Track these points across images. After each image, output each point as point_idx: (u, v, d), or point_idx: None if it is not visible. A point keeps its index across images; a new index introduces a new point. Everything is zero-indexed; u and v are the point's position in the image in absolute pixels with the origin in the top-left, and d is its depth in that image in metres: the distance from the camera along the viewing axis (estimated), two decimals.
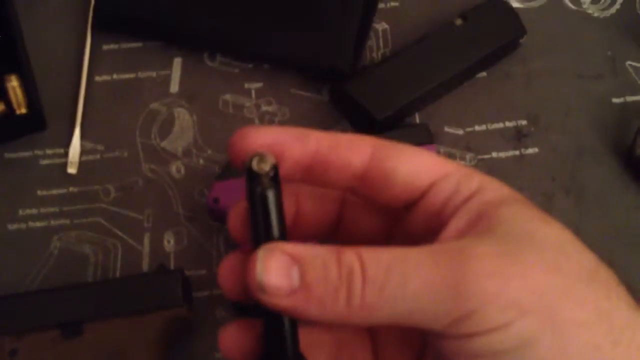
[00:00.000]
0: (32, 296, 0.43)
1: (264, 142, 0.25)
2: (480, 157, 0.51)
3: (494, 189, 0.25)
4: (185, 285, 0.43)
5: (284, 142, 0.25)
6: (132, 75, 0.53)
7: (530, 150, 0.51)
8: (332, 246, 0.23)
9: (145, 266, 0.47)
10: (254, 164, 0.23)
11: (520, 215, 0.24)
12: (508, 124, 0.52)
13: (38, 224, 0.48)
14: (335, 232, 0.28)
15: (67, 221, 0.48)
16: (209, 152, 0.51)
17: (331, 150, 0.25)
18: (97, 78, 0.52)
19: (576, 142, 0.52)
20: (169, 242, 0.48)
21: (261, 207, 0.23)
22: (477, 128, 0.52)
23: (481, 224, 0.24)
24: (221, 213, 0.47)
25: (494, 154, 0.51)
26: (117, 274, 0.47)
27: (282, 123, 0.52)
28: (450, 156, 0.51)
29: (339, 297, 0.22)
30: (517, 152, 0.51)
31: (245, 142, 0.25)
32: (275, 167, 0.24)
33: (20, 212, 0.48)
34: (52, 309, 0.42)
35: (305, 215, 0.28)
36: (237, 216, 0.26)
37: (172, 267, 0.47)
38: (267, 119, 0.52)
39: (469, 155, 0.51)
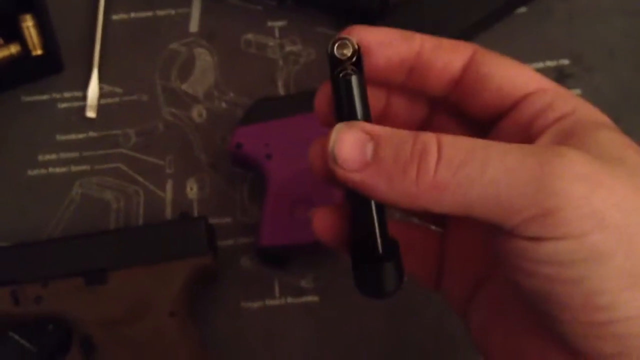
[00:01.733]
0: (56, 243, 0.43)
1: (372, 39, 0.25)
2: None
3: (590, 112, 0.24)
4: (209, 233, 0.43)
5: (391, 40, 0.25)
6: (149, 14, 0.50)
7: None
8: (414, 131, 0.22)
9: (168, 214, 0.46)
10: (336, 49, 0.24)
11: (615, 141, 0.23)
12: (549, 63, 0.49)
13: (58, 170, 0.47)
14: None
15: (88, 167, 0.47)
16: (231, 94, 0.49)
17: (434, 50, 0.25)
18: (114, 17, 0.50)
19: (622, 85, 0.49)
20: (192, 189, 0.47)
21: (343, 91, 0.24)
22: None
23: (572, 141, 0.23)
24: (244, 159, 0.45)
25: None
26: (140, 221, 0.46)
27: (308, 64, 0.49)
28: None
29: (409, 173, 0.21)
30: None
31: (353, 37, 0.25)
32: (357, 52, 0.24)
33: (40, 157, 0.47)
34: (76, 256, 0.42)
35: (393, 113, 0.28)
36: (323, 98, 0.26)
37: (195, 215, 0.46)
38: (291, 60, 0.49)
39: None
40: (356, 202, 0.25)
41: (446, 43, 0.26)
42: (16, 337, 0.43)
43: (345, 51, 0.24)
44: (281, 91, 0.49)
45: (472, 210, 0.21)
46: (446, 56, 0.25)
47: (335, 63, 0.24)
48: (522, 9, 0.50)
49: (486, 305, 0.27)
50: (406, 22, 0.47)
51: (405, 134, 0.22)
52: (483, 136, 0.26)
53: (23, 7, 0.48)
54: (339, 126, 0.23)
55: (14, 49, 0.47)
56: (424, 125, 0.28)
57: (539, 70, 0.48)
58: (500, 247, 0.22)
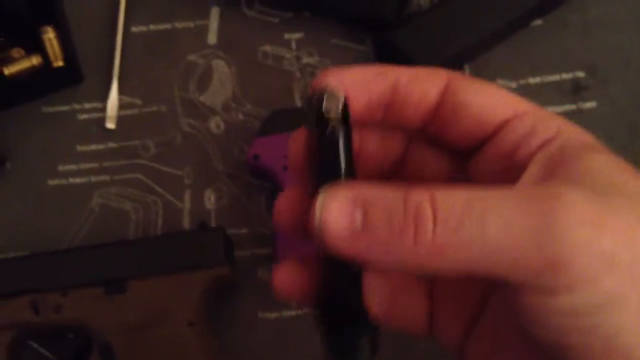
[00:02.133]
0: (75, 253, 0.43)
1: (349, 81, 0.24)
2: None
3: (575, 134, 0.23)
4: (227, 244, 0.43)
5: (369, 80, 0.24)
6: (168, 26, 0.51)
7: (587, 105, 0.48)
8: (402, 185, 0.21)
9: (186, 224, 0.46)
10: (324, 103, 0.21)
11: (608, 166, 0.22)
12: (565, 76, 0.49)
13: (78, 180, 0.48)
14: (398, 176, 0.27)
15: (107, 177, 0.48)
16: (249, 106, 0.49)
17: (410, 82, 0.24)
18: (134, 29, 0.51)
19: (637, 96, 0.48)
20: (210, 200, 0.47)
21: (331, 150, 0.21)
22: (531, 80, 0.49)
23: (563, 172, 0.21)
24: (262, 170, 0.45)
25: (549, 109, 0.48)
26: (158, 231, 0.46)
27: None
28: None
29: (405, 238, 0.20)
30: (574, 107, 0.48)
31: (330, 81, 0.23)
32: (345, 105, 0.22)
33: (60, 167, 0.48)
34: (95, 266, 0.42)
35: (367, 152, 0.26)
36: (296, 148, 0.24)
37: (213, 225, 0.46)
38: (308, 72, 0.50)
39: None
40: (334, 266, 0.23)
41: (421, 73, 0.25)
42: (36, 345, 0.43)
43: (333, 104, 0.21)
44: (298, 103, 0.49)
45: (476, 270, 0.20)
46: (421, 87, 0.24)
47: (322, 119, 0.21)
48: (538, 21, 0.50)
49: (484, 338, 0.26)
50: (421, 33, 0.48)
51: (394, 196, 0.20)
52: (463, 165, 0.25)
53: (44, 19, 0.48)
54: (322, 197, 0.21)
55: (35, 60, 0.48)
56: (402, 157, 0.27)
57: (555, 82, 0.49)
58: (510, 302, 0.21)
